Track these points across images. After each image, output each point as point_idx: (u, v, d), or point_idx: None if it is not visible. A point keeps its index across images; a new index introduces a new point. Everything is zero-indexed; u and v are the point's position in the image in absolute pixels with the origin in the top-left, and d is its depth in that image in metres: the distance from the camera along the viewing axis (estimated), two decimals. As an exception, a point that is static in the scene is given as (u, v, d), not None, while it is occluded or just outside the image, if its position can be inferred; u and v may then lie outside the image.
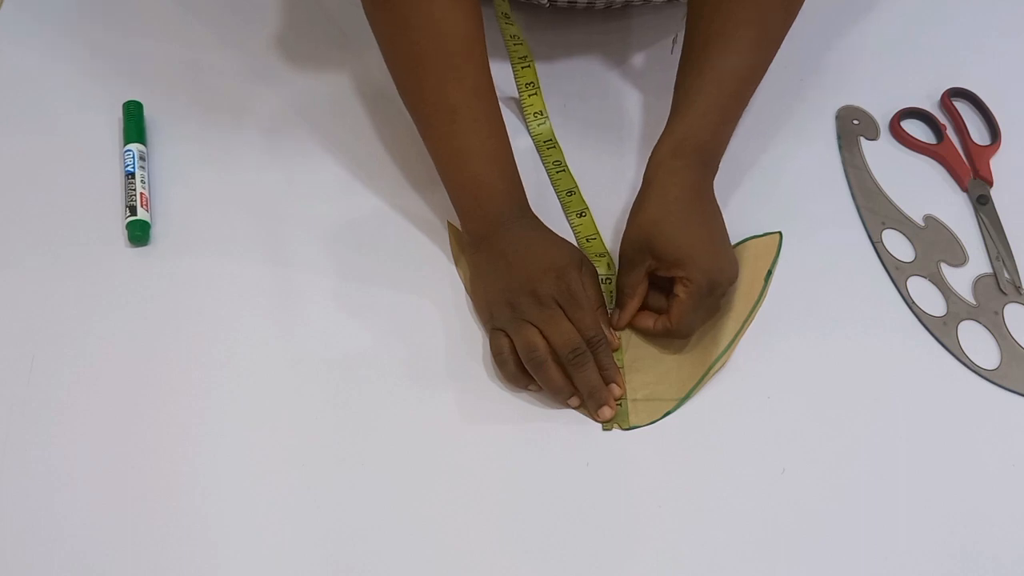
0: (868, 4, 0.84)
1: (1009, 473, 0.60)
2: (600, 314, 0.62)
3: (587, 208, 0.70)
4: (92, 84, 0.75)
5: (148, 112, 0.73)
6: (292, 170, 0.71)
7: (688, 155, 0.63)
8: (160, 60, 0.77)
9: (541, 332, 0.59)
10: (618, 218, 0.69)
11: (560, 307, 0.60)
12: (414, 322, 0.64)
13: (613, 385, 0.60)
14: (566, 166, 0.72)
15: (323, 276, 0.65)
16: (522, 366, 0.60)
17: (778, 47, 0.66)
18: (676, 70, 0.67)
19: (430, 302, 0.65)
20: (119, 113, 0.72)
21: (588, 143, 0.74)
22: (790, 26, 0.66)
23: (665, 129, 0.64)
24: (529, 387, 0.61)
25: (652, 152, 0.64)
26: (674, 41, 0.71)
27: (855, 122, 0.76)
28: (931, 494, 0.58)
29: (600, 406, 0.60)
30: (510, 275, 0.61)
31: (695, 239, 0.61)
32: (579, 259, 0.63)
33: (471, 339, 0.63)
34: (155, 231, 0.67)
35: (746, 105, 0.66)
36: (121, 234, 0.66)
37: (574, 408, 0.60)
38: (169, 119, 0.73)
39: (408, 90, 0.64)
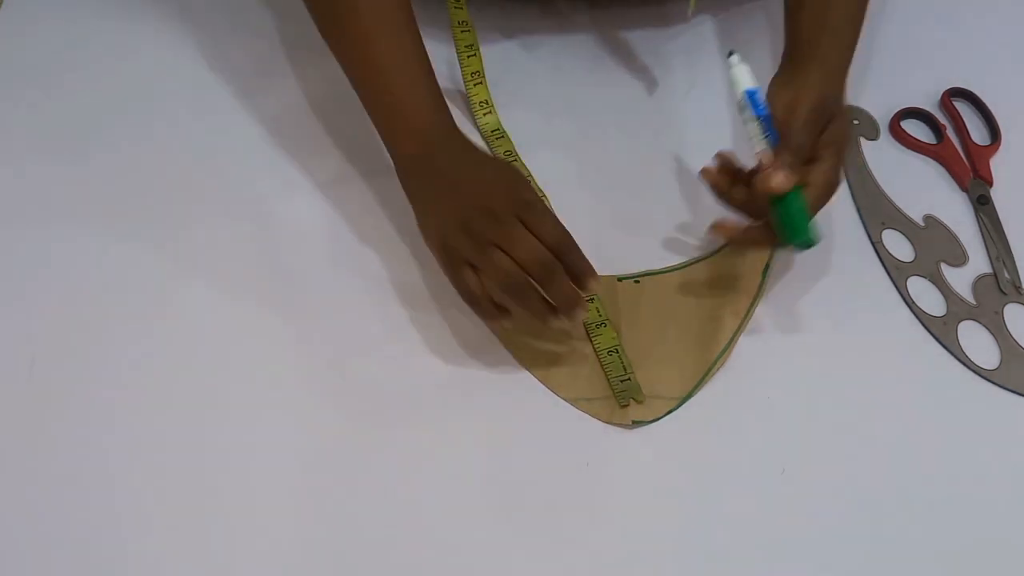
0: (868, 4, 0.84)
1: (1009, 473, 0.60)
2: None
3: (544, 195, 0.69)
4: (92, 83, 0.75)
5: (147, 111, 0.73)
6: (290, 168, 0.71)
7: (847, 49, 0.65)
8: (158, 59, 0.77)
9: (506, 252, 0.56)
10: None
11: (519, 220, 0.57)
12: (413, 320, 0.64)
13: (589, 280, 0.57)
14: (517, 155, 0.72)
15: (322, 274, 0.65)
16: (495, 300, 0.58)
17: None
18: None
19: (429, 300, 0.65)
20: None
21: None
22: None
23: (810, 32, 0.64)
24: (503, 323, 0.58)
25: (803, 25, 0.64)
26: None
27: (855, 122, 0.76)
28: (931, 494, 0.58)
29: (573, 309, 0.57)
30: (459, 196, 0.58)
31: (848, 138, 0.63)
32: (519, 171, 0.61)
33: (471, 336, 0.63)
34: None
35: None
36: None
37: (560, 328, 0.58)
38: (166, 119, 0.73)
39: (325, 19, 0.63)
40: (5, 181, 0.70)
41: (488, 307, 0.58)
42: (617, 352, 0.62)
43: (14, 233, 0.67)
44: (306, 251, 0.67)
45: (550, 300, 0.57)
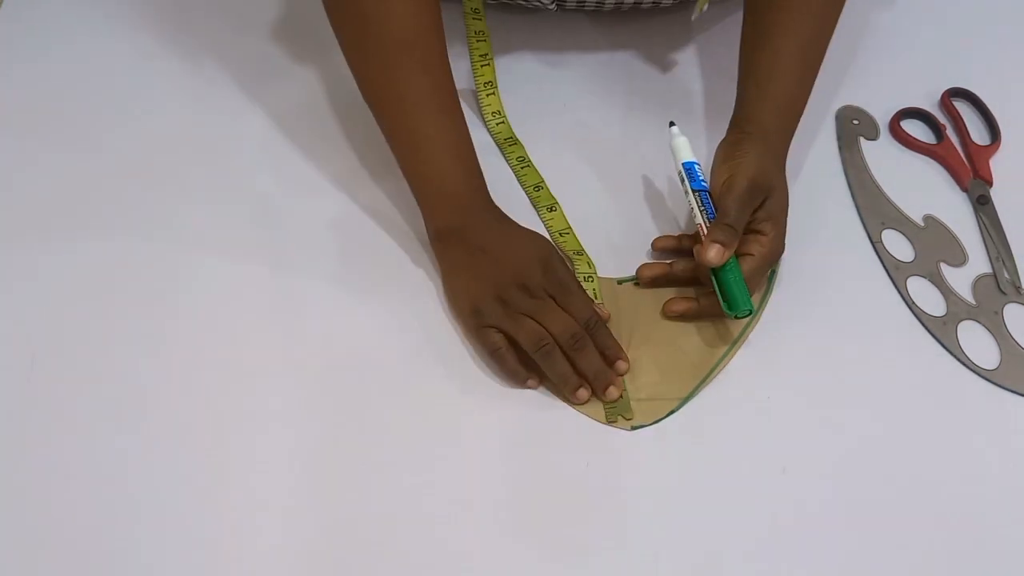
0: (868, 4, 0.84)
1: (1009, 473, 0.60)
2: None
3: (557, 203, 0.70)
4: (93, 83, 0.75)
5: (145, 111, 0.73)
6: (291, 169, 0.71)
7: (788, 120, 0.66)
8: (159, 59, 0.77)
9: (538, 323, 0.60)
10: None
11: (551, 296, 0.61)
12: (413, 323, 0.64)
13: (619, 362, 0.61)
14: (530, 161, 0.72)
15: (322, 275, 0.65)
16: (521, 359, 0.60)
17: (838, 16, 0.69)
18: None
19: (429, 302, 0.65)
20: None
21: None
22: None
23: (760, 86, 0.66)
24: (528, 382, 0.61)
25: (748, 103, 0.66)
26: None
27: (855, 122, 0.76)
28: (931, 494, 0.58)
29: (606, 387, 0.60)
30: (495, 269, 0.61)
31: (786, 211, 0.64)
32: (553, 246, 0.64)
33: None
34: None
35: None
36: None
37: (582, 404, 0.60)
38: (167, 119, 0.73)
39: (368, 84, 0.64)
40: (5, 179, 0.70)
41: (515, 364, 0.60)
42: None
43: (14, 232, 0.67)
44: (313, 251, 0.67)
45: (581, 372, 0.60)
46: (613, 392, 0.60)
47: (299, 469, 0.57)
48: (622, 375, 0.61)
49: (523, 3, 0.78)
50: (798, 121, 0.67)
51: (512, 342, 0.60)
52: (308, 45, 0.79)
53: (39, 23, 0.80)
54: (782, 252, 0.64)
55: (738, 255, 0.61)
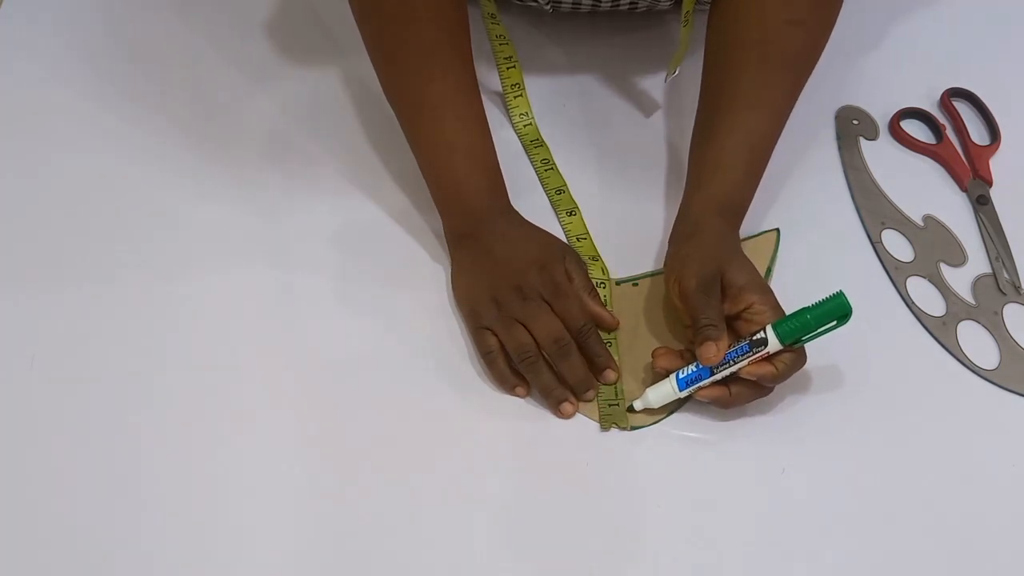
0: (868, 4, 0.84)
1: (1009, 473, 0.60)
2: (591, 299, 0.62)
3: (577, 207, 0.70)
4: (91, 83, 0.75)
5: (146, 112, 0.73)
6: (291, 171, 0.71)
7: (728, 215, 0.63)
8: (159, 60, 0.77)
9: (528, 329, 0.60)
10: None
11: (545, 301, 0.60)
12: (414, 323, 0.64)
13: (608, 372, 0.61)
14: (554, 164, 0.72)
15: (323, 277, 0.65)
16: (511, 365, 0.60)
17: (794, 102, 0.66)
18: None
19: (431, 303, 0.65)
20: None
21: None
22: (806, 80, 0.66)
23: (700, 185, 0.63)
24: (516, 389, 0.60)
25: (687, 204, 0.63)
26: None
27: (854, 122, 0.77)
28: (931, 494, 0.58)
29: (585, 391, 0.60)
30: (495, 272, 0.61)
31: (756, 274, 0.60)
32: (562, 251, 0.63)
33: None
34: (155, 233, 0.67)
35: (768, 159, 0.65)
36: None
37: (568, 416, 0.60)
38: (167, 119, 0.73)
39: (391, 84, 0.64)
40: (6, 179, 0.70)
41: (503, 369, 0.60)
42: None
43: (14, 232, 0.67)
44: (314, 251, 0.67)
45: (562, 379, 0.60)
46: (590, 395, 0.60)
47: (299, 470, 0.57)
48: (611, 384, 0.61)
49: (518, 1, 0.78)
50: (742, 207, 0.64)
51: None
52: (308, 45, 0.79)
53: (39, 23, 0.80)
54: (782, 311, 0.59)
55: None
